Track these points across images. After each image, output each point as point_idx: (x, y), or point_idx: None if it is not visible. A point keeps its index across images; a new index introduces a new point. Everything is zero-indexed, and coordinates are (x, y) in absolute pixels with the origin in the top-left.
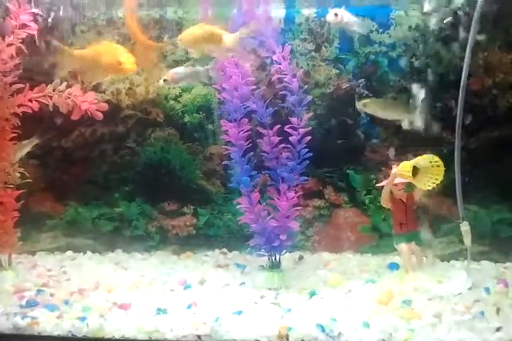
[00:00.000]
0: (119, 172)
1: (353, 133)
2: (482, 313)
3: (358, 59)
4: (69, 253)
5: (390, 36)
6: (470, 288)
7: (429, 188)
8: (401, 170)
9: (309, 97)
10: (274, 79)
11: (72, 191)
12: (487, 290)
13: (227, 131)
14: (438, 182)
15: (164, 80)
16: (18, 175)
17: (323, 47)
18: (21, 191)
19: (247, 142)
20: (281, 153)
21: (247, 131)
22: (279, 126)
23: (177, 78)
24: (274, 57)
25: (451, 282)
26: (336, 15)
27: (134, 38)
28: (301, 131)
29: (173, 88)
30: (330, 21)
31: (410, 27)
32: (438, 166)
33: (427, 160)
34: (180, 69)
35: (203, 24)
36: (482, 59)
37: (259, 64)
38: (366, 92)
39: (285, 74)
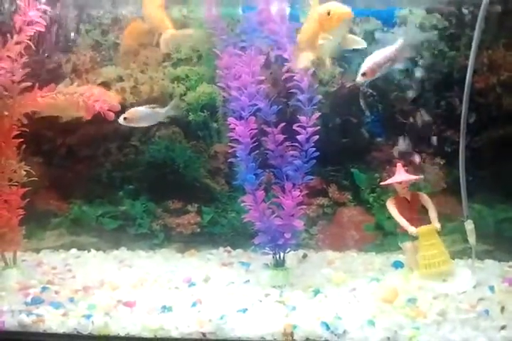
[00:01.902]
0: (124, 170)
1: (357, 131)
2: (487, 312)
3: (363, 57)
4: (73, 251)
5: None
6: (474, 287)
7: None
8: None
9: (319, 96)
10: (284, 77)
11: (77, 189)
12: (491, 288)
13: (234, 128)
14: (433, 262)
15: (124, 118)
16: (24, 173)
17: None
18: (26, 189)
19: (253, 140)
20: (286, 152)
21: (254, 129)
22: (284, 124)
23: (137, 117)
24: (286, 55)
25: (456, 280)
26: (363, 75)
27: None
28: (310, 129)
29: (178, 86)
30: (362, 82)
31: (415, 26)
32: (445, 262)
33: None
34: (141, 109)
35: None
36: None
37: (265, 62)
38: (370, 91)
39: (295, 73)
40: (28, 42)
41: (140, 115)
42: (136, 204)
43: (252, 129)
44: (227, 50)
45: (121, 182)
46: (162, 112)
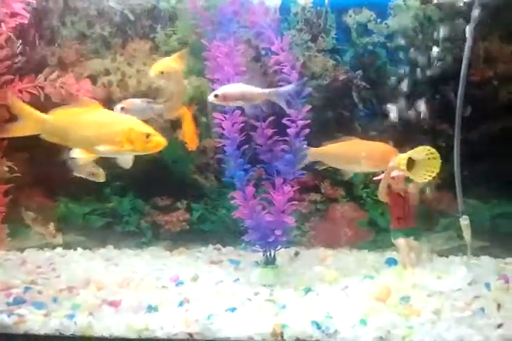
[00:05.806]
0: (111, 166)
1: (350, 125)
2: (482, 309)
3: (356, 49)
4: (59, 249)
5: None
6: (470, 284)
7: (426, 180)
8: (397, 163)
9: (308, 89)
10: (272, 70)
11: (63, 186)
12: (487, 285)
13: (220, 123)
14: (434, 174)
15: (122, 108)
16: (6, 169)
17: (319, 38)
18: (9, 186)
19: (242, 134)
20: (276, 146)
21: (241, 122)
22: (273, 118)
23: (134, 109)
24: (273, 48)
25: (451, 277)
26: (216, 96)
27: None
28: (300, 123)
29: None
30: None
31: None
32: (434, 158)
33: (422, 152)
34: (138, 101)
35: None
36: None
37: (254, 55)
38: (364, 84)
39: (284, 66)
40: (10, 34)
41: (137, 107)
42: (124, 201)
43: (238, 123)
44: (213, 41)
45: (108, 178)
46: (156, 108)
